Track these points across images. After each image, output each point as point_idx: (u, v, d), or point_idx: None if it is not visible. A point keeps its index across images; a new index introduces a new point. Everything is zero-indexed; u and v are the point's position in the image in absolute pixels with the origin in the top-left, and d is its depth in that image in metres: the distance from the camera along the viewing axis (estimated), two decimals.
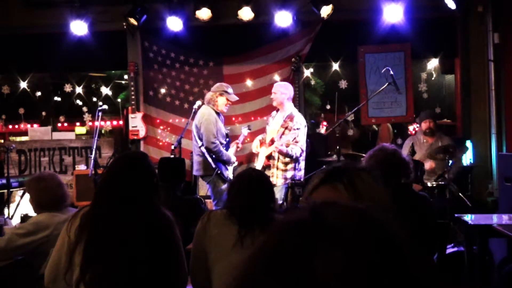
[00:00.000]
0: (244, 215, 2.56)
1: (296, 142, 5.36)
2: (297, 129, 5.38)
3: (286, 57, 6.71)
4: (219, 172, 5.48)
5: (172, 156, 5.73)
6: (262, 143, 5.74)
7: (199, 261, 2.64)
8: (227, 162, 5.62)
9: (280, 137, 5.41)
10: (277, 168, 5.45)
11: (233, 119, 6.77)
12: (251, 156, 6.29)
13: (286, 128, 5.42)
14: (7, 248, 3.06)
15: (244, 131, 6.07)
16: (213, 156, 5.49)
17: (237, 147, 5.97)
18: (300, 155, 5.44)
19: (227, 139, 5.79)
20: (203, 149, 5.49)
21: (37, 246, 3.07)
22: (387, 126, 7.45)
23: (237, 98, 5.85)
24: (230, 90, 5.70)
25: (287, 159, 5.42)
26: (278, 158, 5.45)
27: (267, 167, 5.50)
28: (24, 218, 4.37)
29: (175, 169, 4.28)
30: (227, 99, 5.65)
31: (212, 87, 5.81)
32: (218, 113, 5.62)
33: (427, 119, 6.08)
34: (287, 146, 5.31)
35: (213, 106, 5.60)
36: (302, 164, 5.56)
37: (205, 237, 2.63)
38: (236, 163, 5.86)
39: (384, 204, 1.31)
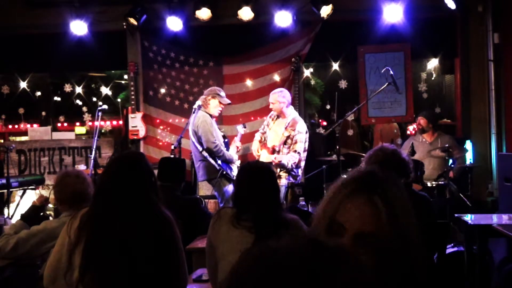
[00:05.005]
0: (261, 228, 2.58)
1: (295, 154, 5.38)
2: (298, 153, 5.37)
3: (286, 57, 6.70)
4: (224, 172, 5.47)
5: (172, 156, 5.72)
6: (261, 143, 5.72)
7: (211, 258, 2.71)
8: (229, 161, 5.62)
9: (282, 145, 5.41)
10: (281, 172, 5.45)
11: (233, 119, 6.76)
12: (252, 158, 6.27)
13: (288, 137, 5.42)
14: (12, 254, 3.05)
15: (240, 129, 6.04)
16: (215, 157, 5.47)
17: (237, 147, 5.95)
18: (298, 163, 5.44)
19: (225, 140, 5.79)
20: (204, 153, 5.47)
21: (42, 253, 3.05)
22: (389, 126, 7.45)
23: (229, 102, 5.85)
24: (222, 93, 5.72)
25: None
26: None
27: None
28: None
29: (175, 169, 4.28)
30: (220, 102, 5.66)
31: (204, 91, 5.82)
32: (211, 116, 5.63)
33: (418, 117, 6.26)
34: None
35: (205, 109, 5.60)
36: (302, 167, 5.58)
37: (214, 233, 2.69)
38: (239, 162, 5.83)
39: (411, 217, 1.23)
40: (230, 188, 5.46)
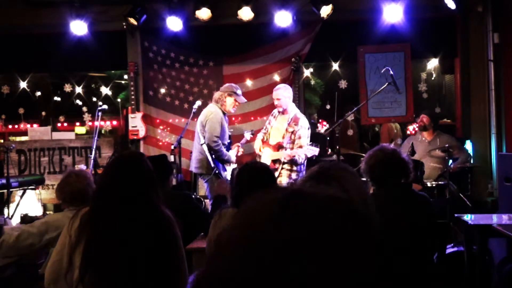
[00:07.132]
0: None
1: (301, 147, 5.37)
2: (301, 144, 5.35)
3: (286, 57, 6.70)
4: (217, 172, 5.47)
5: (172, 156, 5.73)
6: (264, 142, 5.71)
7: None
8: (226, 162, 5.61)
9: (287, 142, 5.41)
10: (283, 170, 5.44)
11: (233, 119, 6.76)
12: (254, 157, 6.26)
13: (292, 132, 5.42)
14: (15, 246, 3.08)
15: (247, 135, 6.05)
16: (213, 155, 5.47)
17: (238, 150, 5.94)
18: (305, 160, 5.44)
19: (229, 141, 5.79)
20: (204, 146, 5.46)
21: (45, 245, 3.09)
22: (389, 126, 7.45)
23: (246, 100, 5.86)
24: (239, 91, 5.71)
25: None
26: (284, 162, 5.45)
27: (272, 170, 5.48)
28: (24, 218, 4.38)
29: (157, 166, 4.24)
30: (235, 100, 5.65)
31: (221, 87, 5.81)
32: (224, 114, 5.62)
33: (421, 114, 6.25)
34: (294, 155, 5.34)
35: (220, 106, 5.59)
36: (304, 165, 5.58)
37: (215, 233, 2.71)
38: (235, 164, 5.83)
39: (365, 197, 1.45)
40: None
